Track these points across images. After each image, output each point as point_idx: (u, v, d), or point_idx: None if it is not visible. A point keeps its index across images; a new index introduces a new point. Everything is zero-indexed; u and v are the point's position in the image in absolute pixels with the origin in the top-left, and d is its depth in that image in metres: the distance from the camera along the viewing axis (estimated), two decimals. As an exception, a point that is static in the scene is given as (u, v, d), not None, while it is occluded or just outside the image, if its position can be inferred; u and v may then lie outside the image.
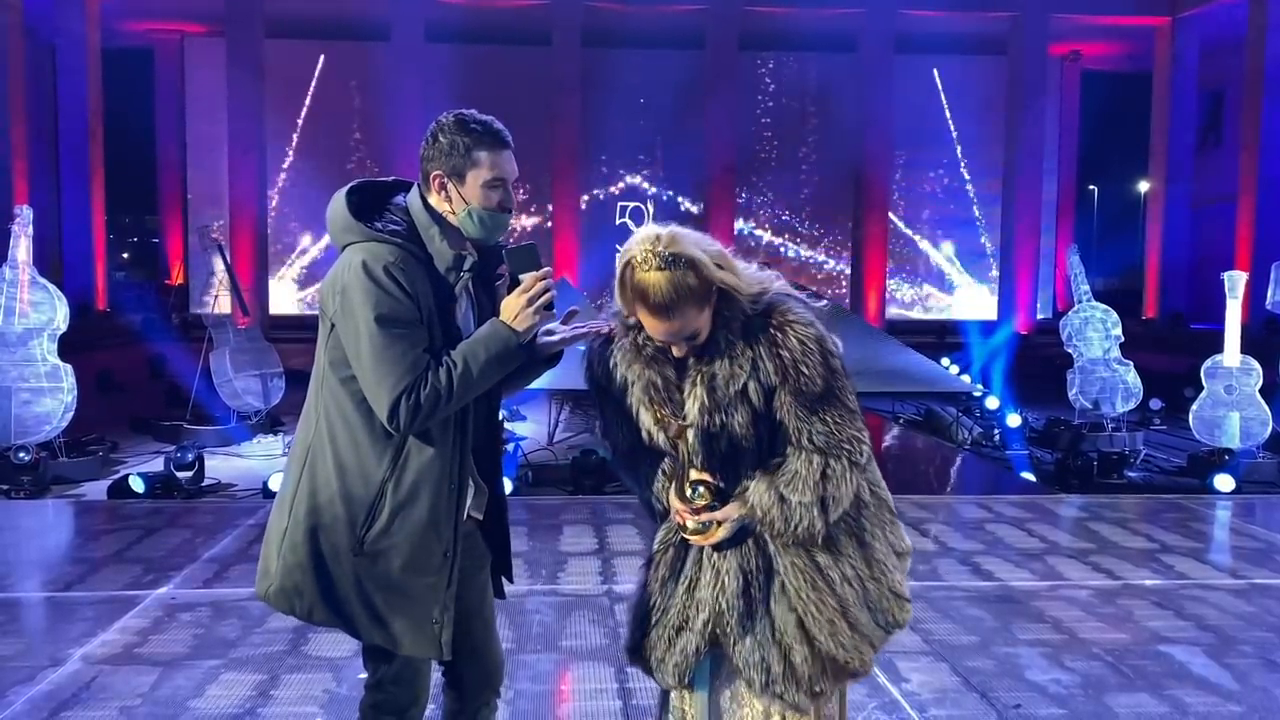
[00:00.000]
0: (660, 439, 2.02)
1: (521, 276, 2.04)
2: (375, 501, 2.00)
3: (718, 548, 2.04)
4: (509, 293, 2.06)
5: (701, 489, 2.00)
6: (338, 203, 2.07)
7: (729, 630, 2.03)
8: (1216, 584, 4.90)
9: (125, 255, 29.41)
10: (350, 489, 2.01)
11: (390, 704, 2.12)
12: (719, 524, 2.00)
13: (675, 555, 2.11)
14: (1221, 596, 4.69)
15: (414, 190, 2.12)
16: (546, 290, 2.02)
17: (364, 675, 3.55)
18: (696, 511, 2.00)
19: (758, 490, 1.98)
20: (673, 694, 2.14)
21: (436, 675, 2.26)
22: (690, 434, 1.99)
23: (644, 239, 1.92)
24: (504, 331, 2.01)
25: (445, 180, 2.06)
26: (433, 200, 2.09)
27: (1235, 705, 3.48)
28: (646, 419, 2.02)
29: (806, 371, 1.95)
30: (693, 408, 1.98)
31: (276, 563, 2.07)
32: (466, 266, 2.07)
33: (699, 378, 1.98)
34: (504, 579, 2.31)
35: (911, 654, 3.90)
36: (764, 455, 2.02)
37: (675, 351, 2.00)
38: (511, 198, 2.10)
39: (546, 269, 2.05)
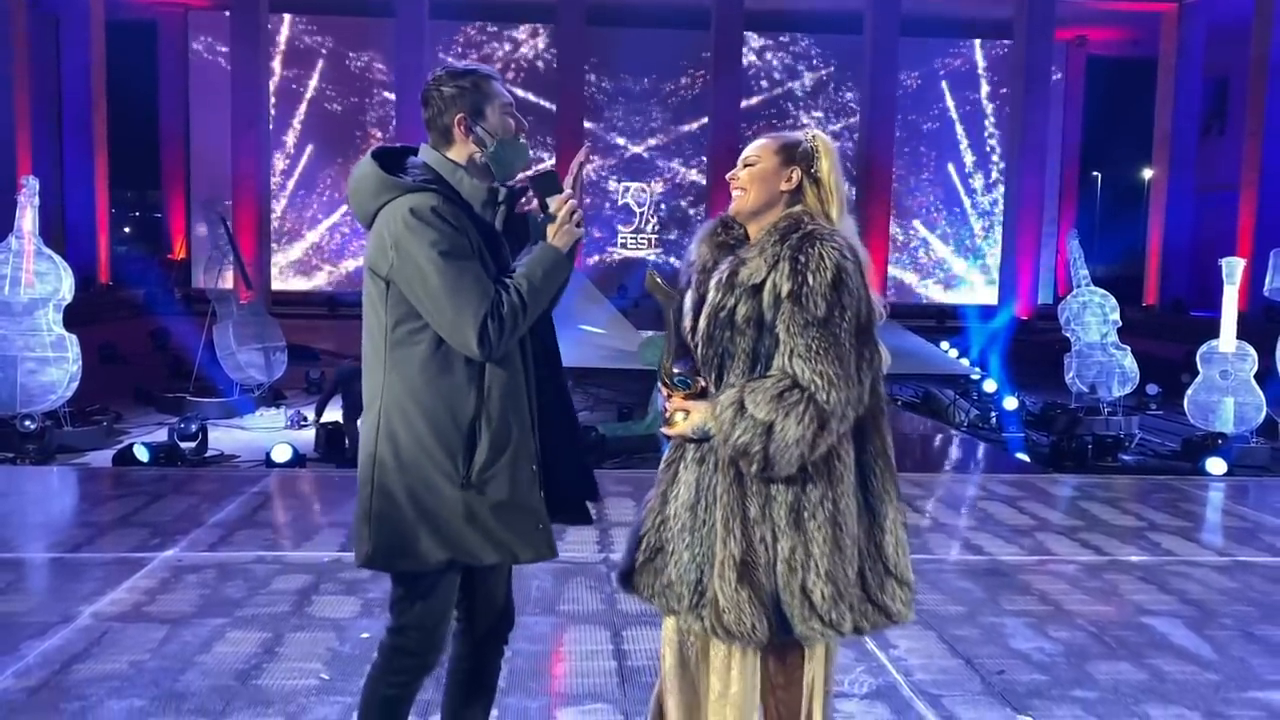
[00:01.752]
0: (688, 323, 2.18)
1: (549, 201, 2.18)
2: (470, 437, 2.11)
3: (692, 443, 2.14)
4: (542, 214, 2.20)
5: (691, 382, 2.13)
6: (367, 167, 2.16)
7: (669, 539, 2.16)
8: (1201, 560, 5.00)
9: (127, 229, 29.42)
10: (442, 434, 2.11)
11: (412, 647, 2.21)
12: (687, 415, 2.12)
13: (666, 489, 2.22)
14: (1206, 573, 4.78)
15: (424, 149, 2.23)
16: (575, 210, 2.18)
17: (367, 635, 3.69)
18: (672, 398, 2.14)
19: (728, 392, 2.06)
20: (664, 618, 2.26)
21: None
22: (702, 321, 2.13)
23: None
24: (549, 249, 2.17)
25: (468, 121, 2.17)
26: (455, 150, 2.20)
27: (1212, 674, 3.58)
28: (688, 299, 2.19)
29: (812, 283, 2.02)
30: (711, 283, 2.13)
31: (368, 529, 2.16)
32: (501, 199, 2.21)
33: (731, 262, 2.15)
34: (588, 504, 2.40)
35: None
36: (752, 368, 2.10)
37: (733, 198, 2.21)
38: (522, 122, 2.25)
39: (569, 191, 2.19)
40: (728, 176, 2.23)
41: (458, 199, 2.15)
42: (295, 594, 4.18)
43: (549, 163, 19.22)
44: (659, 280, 2.17)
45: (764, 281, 2.06)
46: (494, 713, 3.01)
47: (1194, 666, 3.64)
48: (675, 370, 2.14)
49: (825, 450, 2.04)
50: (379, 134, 24.28)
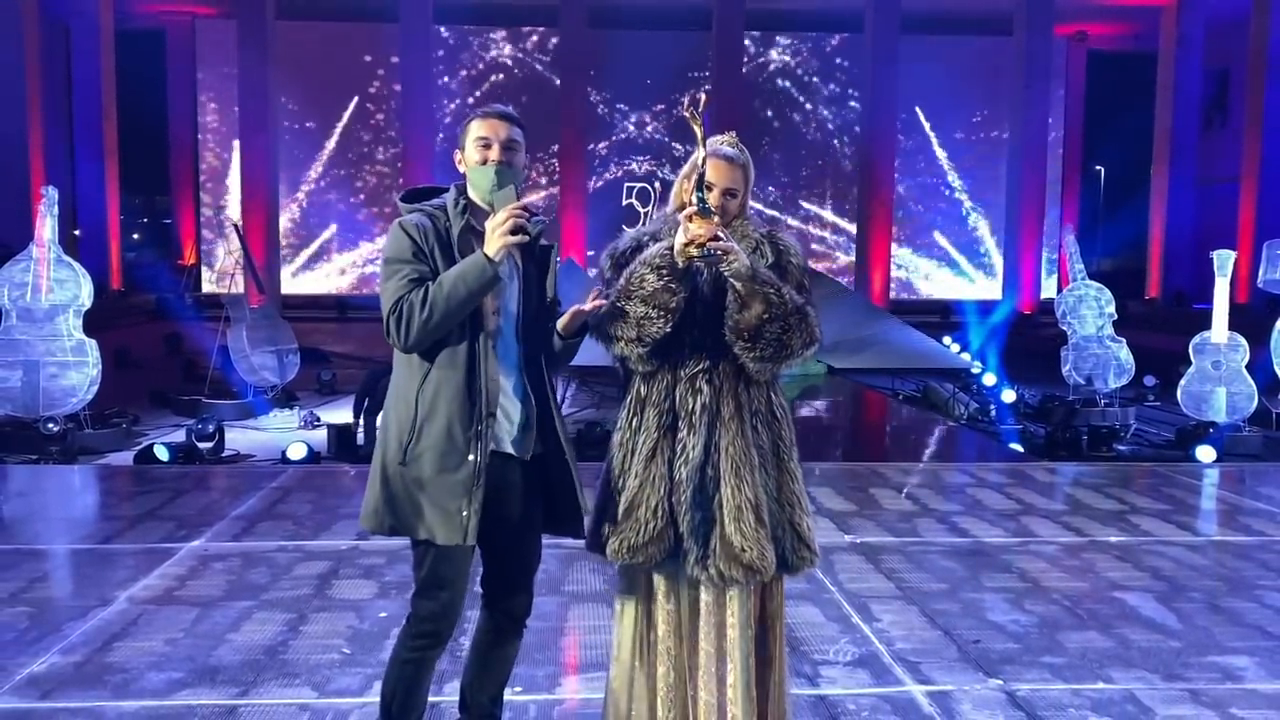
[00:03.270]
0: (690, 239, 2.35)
1: (496, 205, 2.37)
2: (414, 417, 2.40)
3: (732, 277, 2.34)
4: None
5: (711, 212, 2.35)
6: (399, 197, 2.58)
7: (683, 500, 2.39)
8: (1176, 540, 5.23)
9: (136, 236, 29.74)
10: (399, 412, 2.44)
11: (424, 613, 2.47)
12: (727, 253, 2.32)
13: (643, 442, 2.45)
14: (1180, 551, 5.01)
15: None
16: (510, 217, 2.33)
17: (384, 614, 3.96)
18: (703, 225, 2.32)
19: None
20: (657, 581, 2.48)
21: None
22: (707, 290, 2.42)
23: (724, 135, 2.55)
24: (476, 254, 2.37)
25: (459, 153, 2.52)
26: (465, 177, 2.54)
27: (1175, 641, 3.82)
28: (680, 235, 2.35)
29: (795, 262, 2.49)
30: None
31: (368, 494, 2.48)
32: (461, 210, 2.47)
33: None
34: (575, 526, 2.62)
35: (884, 598, 4.25)
36: None
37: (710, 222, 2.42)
38: (501, 153, 2.44)
39: (523, 202, 2.38)
40: (713, 206, 2.40)
41: (444, 217, 2.47)
42: (316, 579, 4.45)
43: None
44: (697, 111, 2.34)
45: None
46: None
47: (1159, 635, 3.88)
48: (698, 197, 2.35)
49: (779, 371, 2.44)
50: (384, 139, 24.56)
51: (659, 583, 2.48)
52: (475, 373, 2.41)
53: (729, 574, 2.35)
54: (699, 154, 2.38)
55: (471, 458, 2.40)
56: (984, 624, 3.98)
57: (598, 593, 4.32)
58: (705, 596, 2.42)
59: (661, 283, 2.34)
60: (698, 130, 2.35)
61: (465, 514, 2.39)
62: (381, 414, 2.52)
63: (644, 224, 2.65)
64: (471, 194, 2.50)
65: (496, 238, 2.33)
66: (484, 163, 2.44)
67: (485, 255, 2.33)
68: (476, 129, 2.48)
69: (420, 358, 2.41)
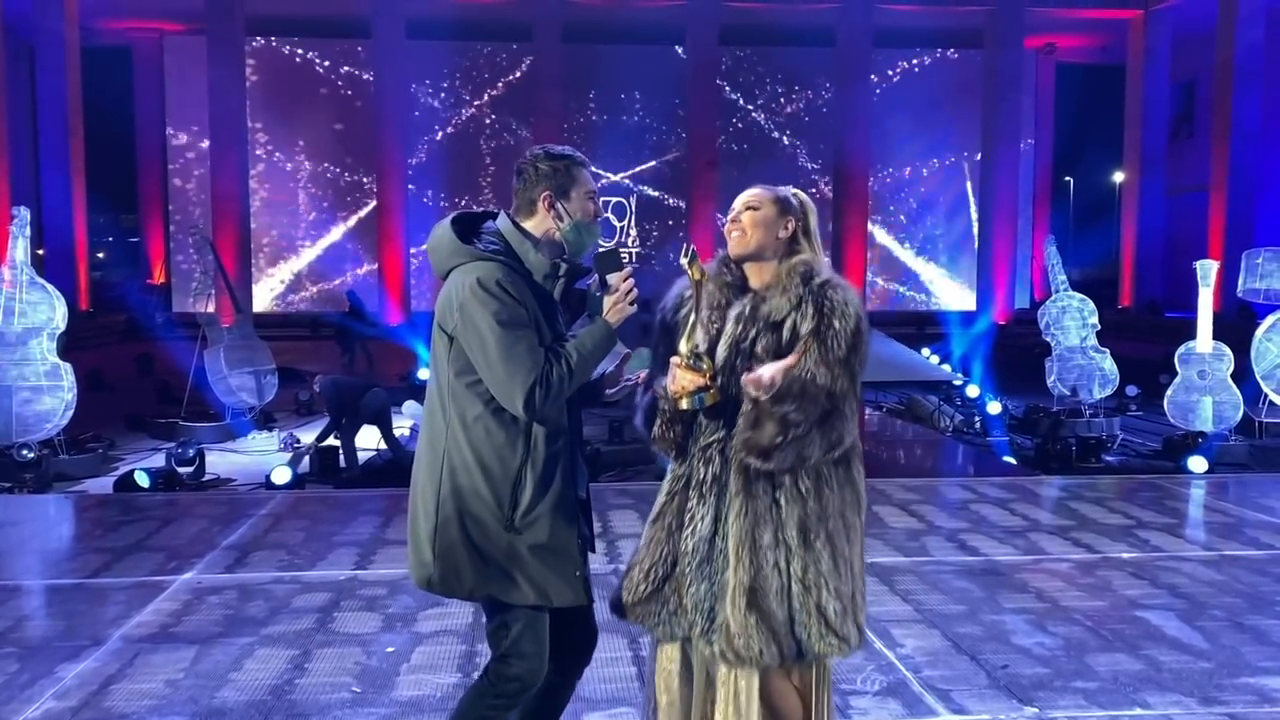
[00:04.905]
0: (702, 344, 2.27)
1: (609, 277, 2.32)
2: (517, 484, 2.28)
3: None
4: (601, 289, 2.35)
5: (706, 362, 2.23)
6: (443, 231, 2.35)
7: (687, 571, 2.28)
8: (1189, 555, 5.18)
9: (101, 255, 29.29)
10: (491, 478, 2.28)
11: (514, 673, 2.36)
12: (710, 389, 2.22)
13: (671, 521, 2.35)
14: (1194, 567, 4.97)
15: (502, 217, 2.40)
16: (632, 289, 2.32)
17: (392, 649, 3.81)
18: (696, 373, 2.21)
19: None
20: (661, 648, 2.38)
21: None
22: (722, 351, 2.27)
23: None
24: (602, 323, 2.32)
25: (554, 199, 2.35)
26: (535, 221, 2.37)
27: (1205, 662, 3.75)
28: (699, 333, 2.27)
29: (837, 326, 2.21)
30: (732, 315, 2.28)
31: (432, 555, 2.32)
32: (561, 273, 2.36)
33: (751, 299, 2.29)
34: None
35: (905, 622, 4.16)
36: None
37: (732, 240, 2.32)
38: (599, 209, 2.42)
39: (629, 269, 2.33)
40: (729, 220, 2.33)
41: (521, 269, 2.31)
42: (317, 611, 4.29)
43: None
44: (697, 259, 2.25)
45: (785, 319, 2.24)
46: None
47: (1188, 656, 3.81)
48: (695, 350, 2.24)
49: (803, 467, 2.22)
50: (357, 155, 24.34)
51: (666, 648, 2.39)
52: (570, 430, 2.36)
53: (726, 655, 2.23)
54: (695, 299, 2.30)
55: (574, 516, 2.35)
56: (1009, 647, 3.89)
57: (611, 622, 4.13)
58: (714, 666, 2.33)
59: (659, 430, 2.34)
60: (693, 274, 2.26)
61: (579, 573, 2.36)
62: (444, 473, 2.31)
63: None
64: (552, 238, 2.37)
65: (621, 309, 2.32)
66: (594, 217, 2.39)
67: (609, 322, 2.31)
68: (586, 180, 2.38)
69: (532, 424, 2.28)
